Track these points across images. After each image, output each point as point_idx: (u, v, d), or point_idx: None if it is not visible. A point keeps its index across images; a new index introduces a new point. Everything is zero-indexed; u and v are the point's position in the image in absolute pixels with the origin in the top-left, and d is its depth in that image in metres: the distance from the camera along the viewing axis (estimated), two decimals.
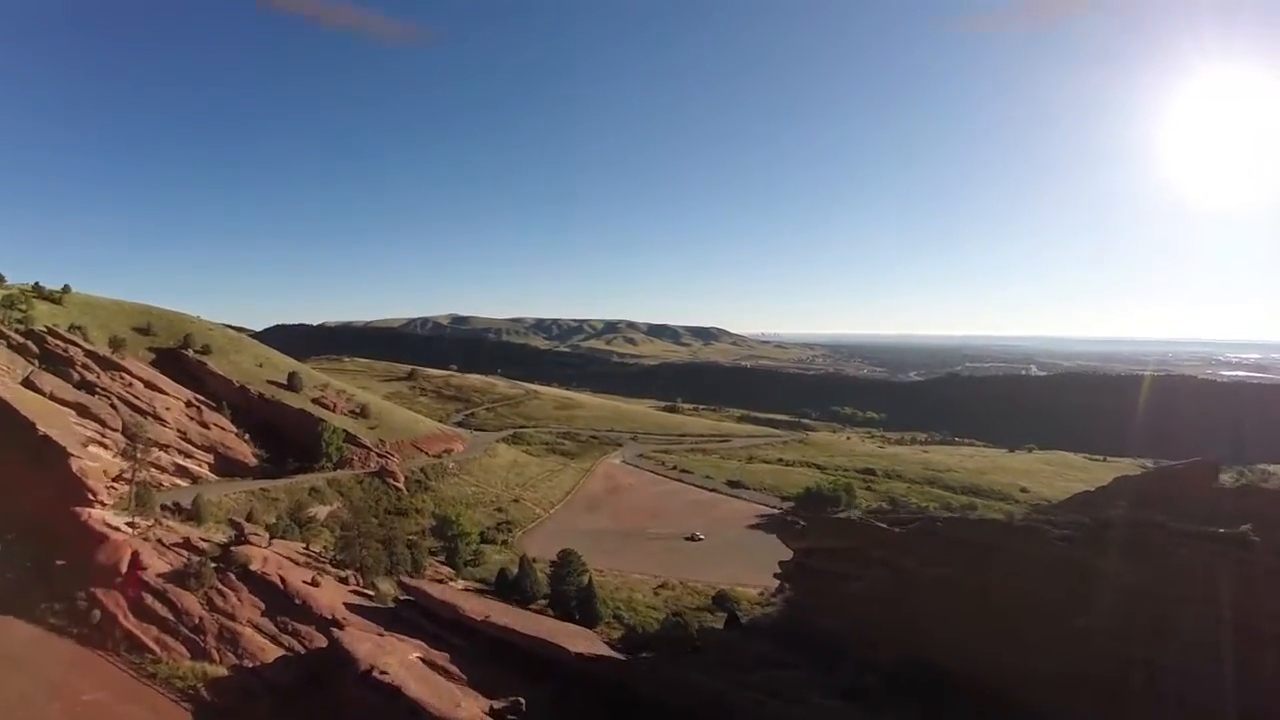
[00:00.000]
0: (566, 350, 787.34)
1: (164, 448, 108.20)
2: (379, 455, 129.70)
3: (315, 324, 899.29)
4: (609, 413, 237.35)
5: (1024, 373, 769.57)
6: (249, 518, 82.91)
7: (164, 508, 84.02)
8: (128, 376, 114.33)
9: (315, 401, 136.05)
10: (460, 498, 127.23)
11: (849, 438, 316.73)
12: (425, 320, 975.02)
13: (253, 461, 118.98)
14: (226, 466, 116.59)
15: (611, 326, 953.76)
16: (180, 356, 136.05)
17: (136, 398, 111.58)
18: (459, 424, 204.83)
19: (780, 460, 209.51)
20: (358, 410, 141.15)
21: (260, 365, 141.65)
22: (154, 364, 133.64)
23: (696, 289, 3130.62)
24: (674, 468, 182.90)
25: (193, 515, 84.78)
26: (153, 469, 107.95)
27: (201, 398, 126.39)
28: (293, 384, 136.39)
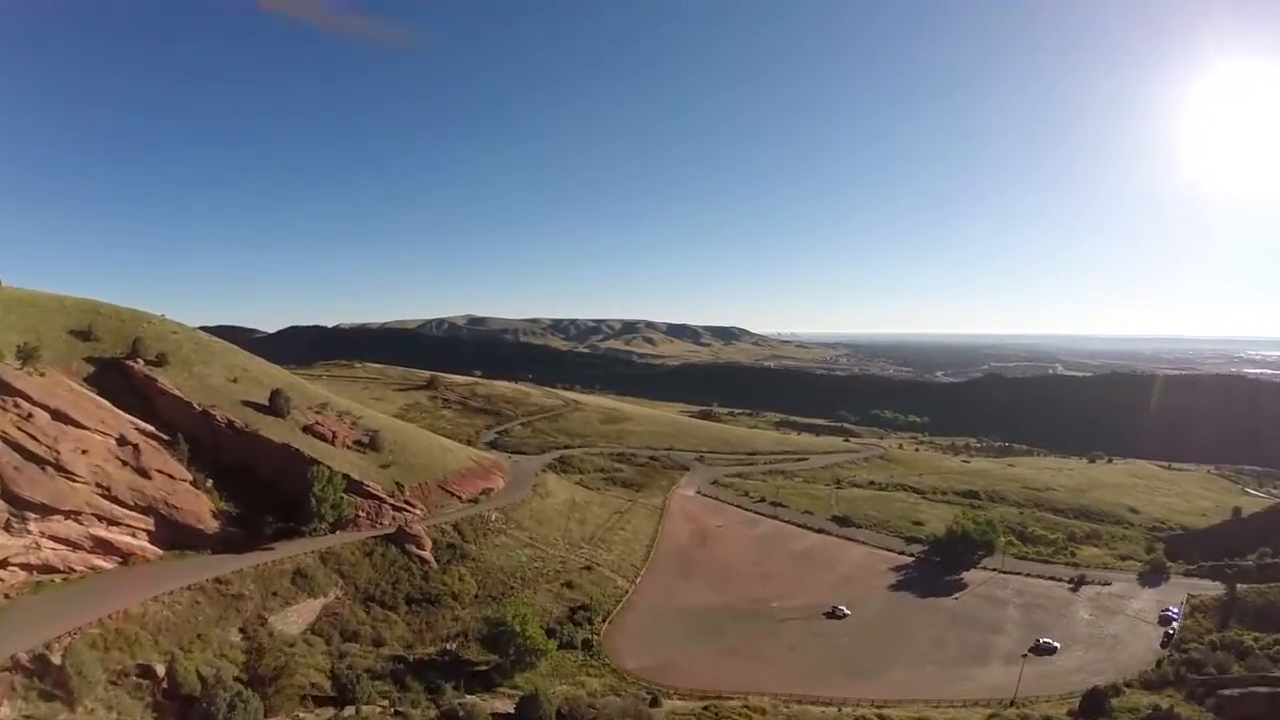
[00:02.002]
0: (587, 351, 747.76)
1: (70, 514, 68.13)
2: (395, 507, 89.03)
3: (329, 326, 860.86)
4: (664, 427, 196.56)
5: (1051, 372, 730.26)
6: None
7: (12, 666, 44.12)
8: (24, 404, 73.70)
9: (308, 430, 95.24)
10: (513, 568, 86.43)
11: (918, 448, 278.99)
12: (441, 321, 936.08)
13: (213, 526, 78.40)
14: (173, 535, 76.15)
15: (630, 327, 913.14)
16: (125, 370, 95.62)
17: (33, 436, 71.04)
18: (491, 444, 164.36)
19: (871, 483, 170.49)
20: (366, 440, 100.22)
21: (235, 380, 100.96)
22: (91, 380, 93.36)
23: (714, 288, 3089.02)
24: (761, 499, 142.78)
25: (61, 681, 43.97)
26: (48, 548, 68.50)
27: (148, 429, 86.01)
28: (276, 406, 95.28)
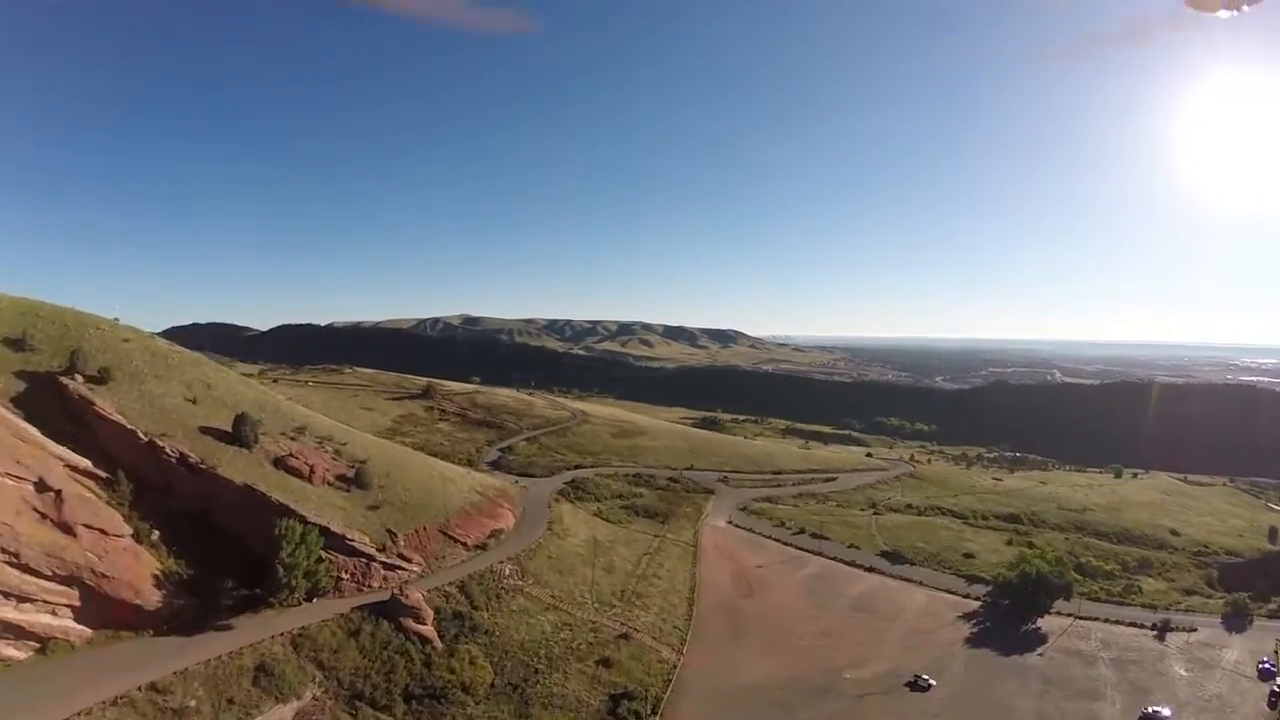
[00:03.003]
0: (584, 353, 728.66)
1: None
2: (386, 565, 70.77)
3: (323, 324, 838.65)
4: (680, 441, 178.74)
5: (1050, 378, 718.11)
6: None
7: None
8: None
9: (281, 464, 76.63)
10: (535, 643, 68.17)
11: (929, 459, 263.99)
12: (436, 321, 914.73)
13: (156, 598, 59.99)
14: (106, 611, 57.86)
15: (626, 328, 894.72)
16: (60, 388, 77.05)
17: None
18: (495, 463, 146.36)
19: (909, 507, 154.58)
20: (350, 473, 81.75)
21: (194, 399, 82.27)
22: (21, 401, 74.74)
23: (710, 290, 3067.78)
24: (800, 530, 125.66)
25: None
26: None
27: (84, 464, 67.74)
28: (241, 434, 76.63)
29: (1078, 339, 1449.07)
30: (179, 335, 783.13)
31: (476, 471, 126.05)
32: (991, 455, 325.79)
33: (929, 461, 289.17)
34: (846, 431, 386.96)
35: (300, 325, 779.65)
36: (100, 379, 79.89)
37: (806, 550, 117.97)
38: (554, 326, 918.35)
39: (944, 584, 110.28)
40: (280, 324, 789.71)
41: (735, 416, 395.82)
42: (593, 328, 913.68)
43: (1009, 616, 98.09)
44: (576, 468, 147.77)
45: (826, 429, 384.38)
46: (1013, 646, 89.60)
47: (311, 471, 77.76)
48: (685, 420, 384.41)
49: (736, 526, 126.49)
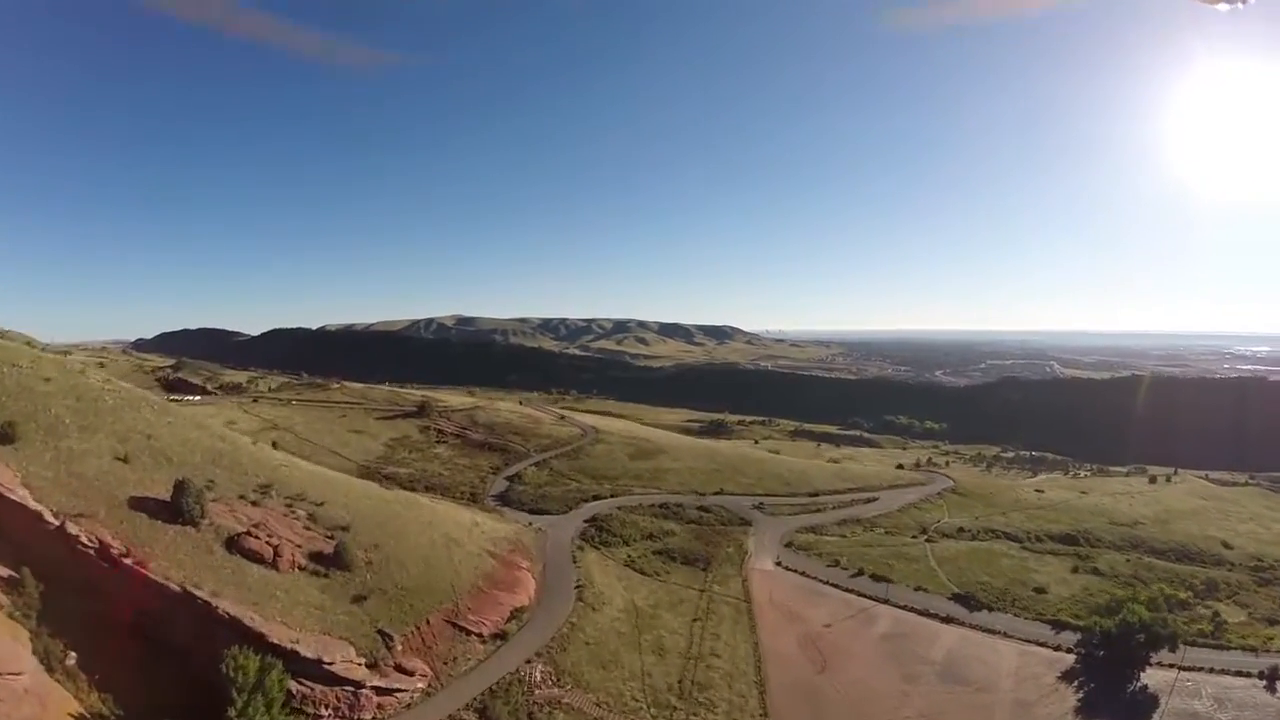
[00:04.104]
0: (580, 353, 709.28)
1: None
2: (381, 691, 51.59)
3: (315, 328, 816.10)
4: (703, 461, 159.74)
5: (1048, 370, 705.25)
6: None
7: None
8: None
9: (234, 544, 57.19)
10: None
11: (948, 461, 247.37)
12: (430, 321, 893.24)
13: None
14: None
15: (621, 326, 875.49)
16: None
17: None
18: (502, 497, 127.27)
19: (961, 530, 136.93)
20: (329, 549, 62.50)
21: (126, 458, 62.40)
22: None
23: (704, 286, 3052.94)
24: (859, 571, 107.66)
25: None
26: None
27: None
28: (183, 506, 56.78)
29: (1071, 329, 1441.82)
30: (169, 342, 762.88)
31: (482, 513, 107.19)
32: (1009, 456, 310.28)
33: (947, 464, 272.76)
34: (857, 432, 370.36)
35: (292, 330, 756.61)
36: (4, 437, 60.41)
37: (871, 598, 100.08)
38: (548, 325, 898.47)
39: (1029, 633, 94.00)
40: (272, 328, 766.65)
41: (742, 419, 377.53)
42: (588, 326, 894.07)
43: (1109, 671, 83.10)
44: (595, 498, 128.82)
45: (835, 429, 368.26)
46: (1125, 713, 76.07)
47: (276, 553, 58.50)
48: (691, 423, 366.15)
49: (787, 569, 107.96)
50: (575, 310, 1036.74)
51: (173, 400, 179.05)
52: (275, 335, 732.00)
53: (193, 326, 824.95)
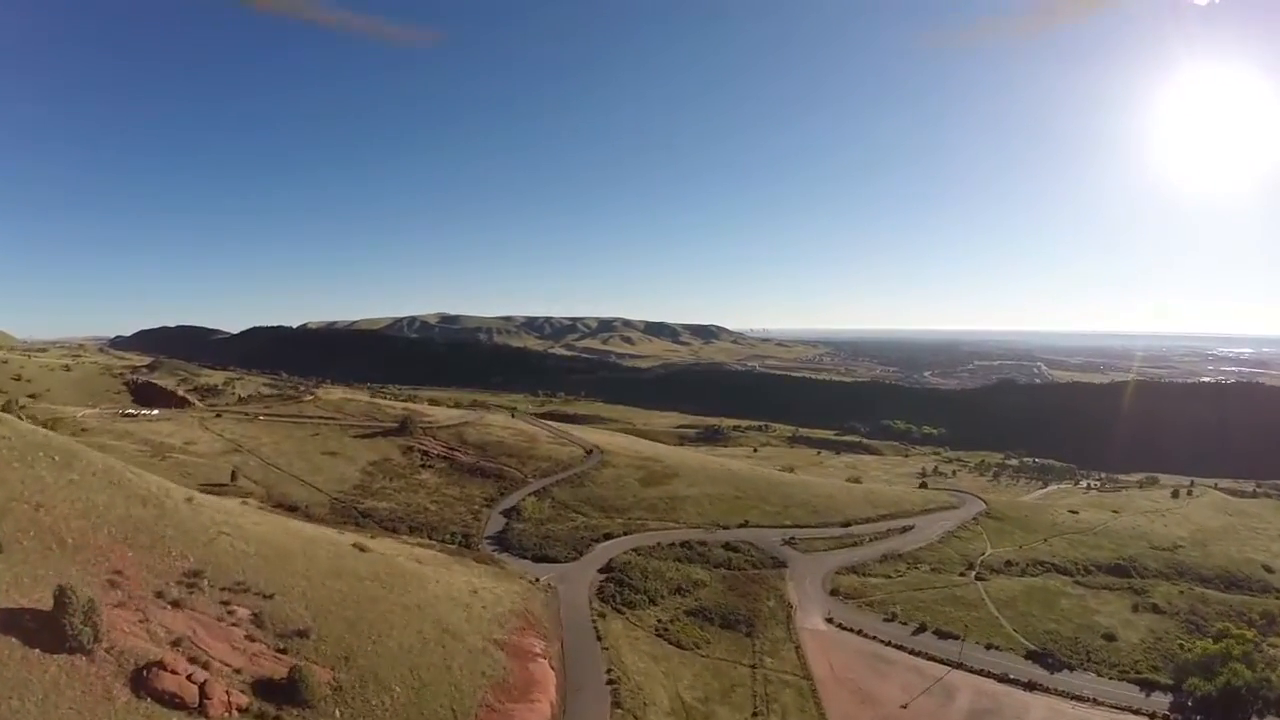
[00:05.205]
0: (566, 352, 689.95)
1: None
2: None
3: (295, 326, 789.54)
4: (723, 486, 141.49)
5: (1035, 371, 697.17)
6: None
7: None
8: None
9: (142, 684, 39.07)
10: None
11: (954, 470, 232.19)
12: (413, 319, 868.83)
13: None
14: None
15: (607, 325, 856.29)
16: None
17: None
18: (499, 539, 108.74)
19: (1009, 564, 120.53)
20: (279, 673, 44.27)
21: None
22: None
23: (690, 284, 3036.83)
24: (920, 627, 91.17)
25: None
26: None
27: None
28: (65, 626, 37.85)
29: (1054, 330, 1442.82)
30: (148, 340, 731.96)
31: (479, 566, 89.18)
32: (1014, 463, 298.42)
33: (954, 474, 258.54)
34: (856, 438, 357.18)
35: (273, 327, 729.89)
36: None
37: (942, 660, 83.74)
38: (533, 324, 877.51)
39: (1118, 697, 79.75)
40: (252, 326, 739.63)
41: (738, 424, 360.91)
42: (573, 325, 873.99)
43: None
44: (607, 536, 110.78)
45: (832, 435, 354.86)
46: None
47: (203, 693, 40.32)
48: (685, 428, 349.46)
49: (840, 627, 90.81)
50: (560, 308, 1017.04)
51: (126, 415, 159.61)
52: (255, 333, 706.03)
53: (172, 324, 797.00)
